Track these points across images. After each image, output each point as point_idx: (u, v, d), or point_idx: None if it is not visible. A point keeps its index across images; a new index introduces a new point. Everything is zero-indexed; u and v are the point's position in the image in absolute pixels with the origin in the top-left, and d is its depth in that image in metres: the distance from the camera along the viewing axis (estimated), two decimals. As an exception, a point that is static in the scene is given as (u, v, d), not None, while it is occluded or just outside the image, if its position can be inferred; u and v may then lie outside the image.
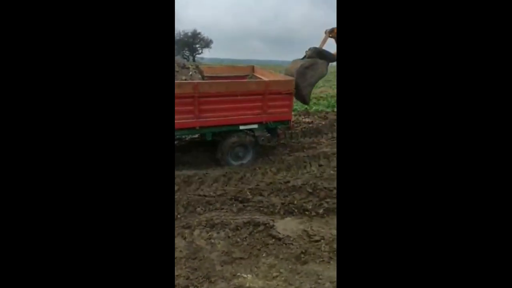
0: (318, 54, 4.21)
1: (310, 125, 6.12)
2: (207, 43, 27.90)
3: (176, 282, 2.02)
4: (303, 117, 6.81)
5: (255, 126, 4.02)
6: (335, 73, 9.71)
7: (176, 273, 2.11)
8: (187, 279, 2.07)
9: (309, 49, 4.27)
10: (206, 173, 3.74)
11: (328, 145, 5.02)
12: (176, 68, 4.10)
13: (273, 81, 4.05)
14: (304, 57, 4.34)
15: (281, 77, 4.50)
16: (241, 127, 3.96)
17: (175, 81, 3.63)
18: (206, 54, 28.87)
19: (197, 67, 4.42)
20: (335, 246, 2.42)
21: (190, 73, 4.08)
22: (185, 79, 3.92)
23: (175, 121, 3.52)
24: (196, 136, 4.69)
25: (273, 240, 2.55)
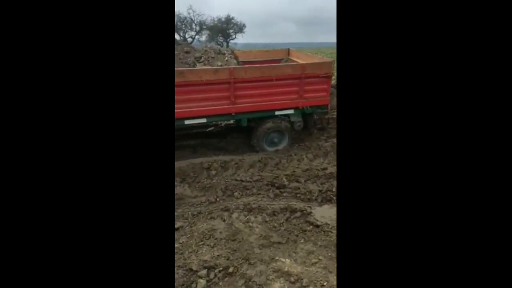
0: None
1: (348, 109, 5.81)
2: (240, 28, 27.52)
3: (217, 261, 2.12)
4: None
5: (291, 111, 3.93)
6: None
7: (217, 253, 2.21)
8: (227, 259, 2.16)
9: None
10: (242, 159, 3.79)
11: (368, 130, 4.73)
12: (212, 54, 4.12)
13: (310, 64, 3.87)
14: None
15: (318, 59, 4.29)
16: (277, 113, 3.90)
17: (211, 67, 3.66)
18: (239, 40, 28.62)
19: (232, 52, 4.40)
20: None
21: (226, 58, 4.08)
22: (221, 65, 3.93)
23: (212, 108, 3.59)
24: (232, 122, 4.75)
25: (311, 227, 2.52)
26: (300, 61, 4.47)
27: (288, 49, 5.31)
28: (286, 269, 2.04)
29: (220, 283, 1.98)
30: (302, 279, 1.95)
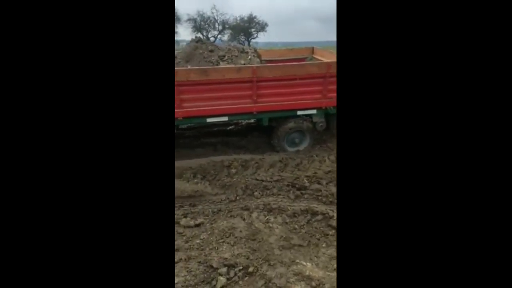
0: None
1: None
2: (262, 27, 27.46)
3: (237, 260, 2.11)
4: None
5: (314, 111, 3.84)
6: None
7: (237, 252, 2.20)
8: (247, 258, 2.14)
9: None
10: (262, 158, 3.76)
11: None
12: (235, 53, 4.13)
13: (335, 63, 3.76)
14: None
15: (344, 58, 4.15)
16: (299, 112, 3.83)
17: (234, 66, 3.66)
18: (260, 39, 28.59)
19: (255, 51, 4.38)
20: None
21: (249, 57, 4.07)
22: (244, 64, 3.93)
23: (234, 106, 3.59)
24: (252, 121, 4.74)
25: (333, 231, 2.45)
26: (325, 60, 4.36)
27: (313, 47, 5.21)
28: (307, 273, 1.99)
29: (240, 282, 1.97)
30: (324, 284, 1.89)
